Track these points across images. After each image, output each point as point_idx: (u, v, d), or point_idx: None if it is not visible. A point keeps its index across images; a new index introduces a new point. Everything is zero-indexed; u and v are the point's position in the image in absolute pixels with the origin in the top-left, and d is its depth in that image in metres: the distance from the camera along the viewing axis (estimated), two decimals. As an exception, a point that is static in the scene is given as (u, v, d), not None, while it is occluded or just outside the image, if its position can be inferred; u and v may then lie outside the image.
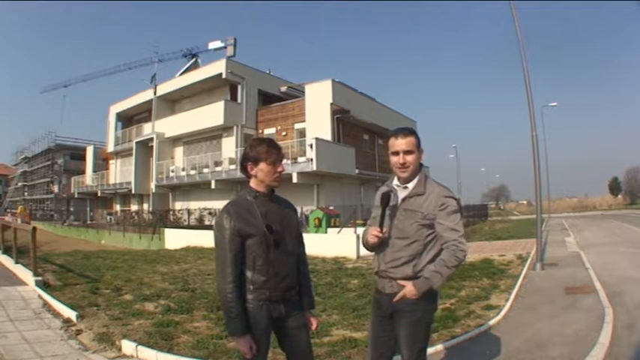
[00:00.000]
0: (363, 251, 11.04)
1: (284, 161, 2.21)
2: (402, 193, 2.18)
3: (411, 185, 2.17)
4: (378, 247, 2.20)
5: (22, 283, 6.96)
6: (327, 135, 19.86)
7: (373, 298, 2.36)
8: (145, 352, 3.84)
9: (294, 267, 2.12)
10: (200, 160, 23.09)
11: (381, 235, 2.13)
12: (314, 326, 2.22)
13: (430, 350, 3.83)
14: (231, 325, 1.96)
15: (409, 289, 2.05)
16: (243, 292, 1.98)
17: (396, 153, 2.15)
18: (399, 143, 2.14)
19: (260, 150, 2.06)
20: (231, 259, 1.96)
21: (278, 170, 2.09)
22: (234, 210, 2.02)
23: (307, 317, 2.19)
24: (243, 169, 2.12)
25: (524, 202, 75.37)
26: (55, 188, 39.94)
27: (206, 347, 3.93)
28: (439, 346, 3.93)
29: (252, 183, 2.11)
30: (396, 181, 2.23)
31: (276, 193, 2.17)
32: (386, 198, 2.16)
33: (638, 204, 54.12)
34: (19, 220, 21.40)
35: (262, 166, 2.06)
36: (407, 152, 2.13)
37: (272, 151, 2.07)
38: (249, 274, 2.00)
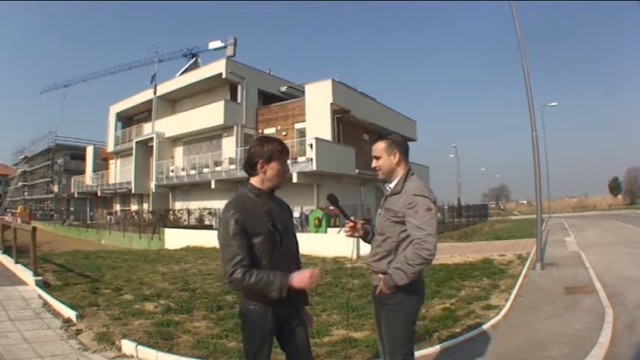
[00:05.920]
0: (363, 251, 11.05)
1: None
2: (386, 192, 2.36)
3: (392, 185, 2.32)
4: (371, 241, 2.39)
5: (22, 282, 6.96)
6: (327, 135, 19.85)
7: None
8: (145, 352, 3.84)
9: (294, 266, 2.11)
10: (200, 160, 23.07)
11: (355, 225, 2.37)
12: (311, 324, 2.23)
13: (430, 350, 3.84)
14: (277, 286, 1.84)
15: (380, 283, 2.20)
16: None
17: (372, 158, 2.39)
18: (373, 150, 2.38)
19: (273, 148, 2.04)
20: (239, 247, 1.87)
21: (285, 170, 2.10)
22: (239, 207, 1.97)
23: (304, 314, 2.19)
24: (252, 166, 2.06)
25: (524, 201, 75.45)
26: (55, 188, 39.91)
27: (206, 347, 3.93)
28: (439, 346, 3.92)
29: (255, 181, 2.07)
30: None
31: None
32: (331, 198, 2.43)
33: (638, 204, 54.17)
34: (19, 220, 21.40)
35: (274, 164, 2.04)
36: (376, 157, 2.34)
37: (284, 150, 2.09)
38: None
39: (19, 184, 47.60)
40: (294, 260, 2.13)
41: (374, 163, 2.35)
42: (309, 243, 11.76)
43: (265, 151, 2.03)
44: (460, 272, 7.79)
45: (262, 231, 1.95)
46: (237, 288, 1.92)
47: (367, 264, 2.35)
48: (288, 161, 2.22)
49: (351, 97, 22.02)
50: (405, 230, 2.17)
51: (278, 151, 2.04)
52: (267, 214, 2.00)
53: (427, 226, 2.08)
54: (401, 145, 2.32)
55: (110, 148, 31.64)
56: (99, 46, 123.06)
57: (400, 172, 2.30)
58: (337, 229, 14.60)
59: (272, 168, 2.04)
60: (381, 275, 2.21)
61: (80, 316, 4.95)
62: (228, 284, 1.92)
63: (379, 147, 2.33)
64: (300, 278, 1.90)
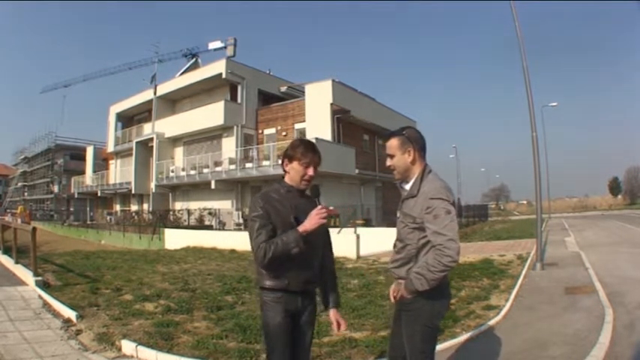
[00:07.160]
0: (363, 251, 11.03)
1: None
2: (403, 194, 2.20)
3: (408, 186, 2.17)
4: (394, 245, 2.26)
5: (22, 283, 6.96)
6: (327, 135, 19.85)
7: None
8: (145, 352, 3.84)
9: (316, 262, 2.17)
10: (200, 160, 23.08)
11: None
12: (342, 327, 2.24)
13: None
14: (292, 240, 1.96)
15: (401, 288, 2.12)
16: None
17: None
18: (386, 147, 2.22)
19: (297, 150, 2.14)
20: (262, 228, 1.99)
21: (308, 173, 2.13)
22: (265, 198, 2.10)
23: (333, 316, 2.24)
24: (282, 164, 2.21)
25: (525, 202, 75.40)
26: (55, 188, 39.91)
27: (206, 347, 3.93)
28: (439, 347, 3.92)
29: (287, 178, 2.18)
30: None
31: None
32: (315, 190, 2.21)
33: (638, 204, 54.12)
34: (19, 220, 21.40)
35: (295, 164, 2.13)
36: (390, 156, 2.20)
37: (307, 153, 2.13)
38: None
39: (19, 184, 47.60)
40: (318, 256, 2.18)
41: (388, 162, 2.21)
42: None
43: (290, 151, 2.15)
44: (460, 272, 7.78)
45: (284, 223, 2.03)
46: (265, 263, 1.98)
47: (388, 269, 2.25)
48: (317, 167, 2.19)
49: (351, 97, 22.03)
50: (425, 236, 2.04)
51: (300, 153, 2.12)
52: (293, 209, 2.08)
53: (448, 231, 1.95)
54: (416, 141, 2.15)
55: (110, 148, 31.66)
56: (99, 47, 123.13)
57: (416, 171, 2.14)
58: (337, 229, 14.60)
59: (293, 168, 2.14)
60: (401, 280, 2.14)
61: (80, 317, 4.95)
62: (259, 265, 2.04)
63: (392, 144, 2.17)
64: (309, 220, 2.00)
